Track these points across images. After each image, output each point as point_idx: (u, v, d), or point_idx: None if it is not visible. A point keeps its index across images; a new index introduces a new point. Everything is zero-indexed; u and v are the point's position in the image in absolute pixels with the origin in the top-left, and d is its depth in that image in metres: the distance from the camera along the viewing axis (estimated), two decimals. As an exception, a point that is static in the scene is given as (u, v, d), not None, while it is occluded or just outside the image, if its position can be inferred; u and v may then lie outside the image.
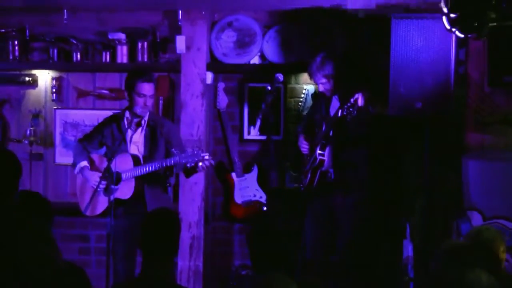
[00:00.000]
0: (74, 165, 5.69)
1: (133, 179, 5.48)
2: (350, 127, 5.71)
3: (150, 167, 5.43)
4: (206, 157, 5.34)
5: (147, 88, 5.53)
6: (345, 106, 5.56)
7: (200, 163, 5.34)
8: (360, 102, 5.52)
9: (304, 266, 5.94)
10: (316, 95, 6.19)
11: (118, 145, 5.47)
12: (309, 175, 5.90)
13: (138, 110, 5.52)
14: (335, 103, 5.88)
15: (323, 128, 5.86)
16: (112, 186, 5.29)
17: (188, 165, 5.34)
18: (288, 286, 3.21)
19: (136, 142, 5.62)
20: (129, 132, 5.61)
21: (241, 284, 6.47)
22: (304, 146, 5.99)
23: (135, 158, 5.54)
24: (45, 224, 3.52)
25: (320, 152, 5.81)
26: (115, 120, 5.67)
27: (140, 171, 5.45)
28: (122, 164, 5.46)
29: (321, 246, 5.96)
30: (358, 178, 5.84)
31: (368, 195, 5.86)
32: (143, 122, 5.62)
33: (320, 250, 5.95)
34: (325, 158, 5.82)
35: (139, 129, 5.62)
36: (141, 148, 5.61)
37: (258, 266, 3.67)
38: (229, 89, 6.68)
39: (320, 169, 5.84)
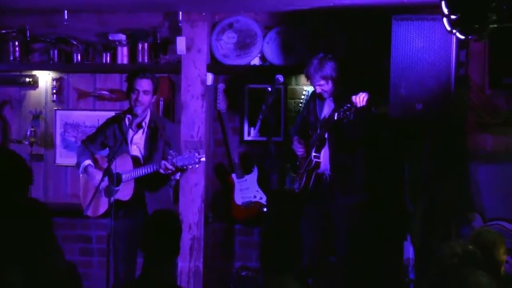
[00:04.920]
0: (78, 165, 5.69)
1: (132, 180, 5.49)
2: (347, 130, 5.67)
3: (149, 169, 5.44)
4: (203, 159, 5.36)
5: (140, 83, 5.53)
6: (341, 110, 5.51)
7: (197, 165, 5.36)
8: (364, 101, 5.47)
9: (301, 269, 5.92)
10: (312, 95, 6.17)
11: (119, 145, 5.48)
12: (304, 177, 5.88)
13: (138, 111, 5.52)
14: (329, 103, 5.84)
15: (318, 130, 5.84)
16: (113, 187, 5.29)
17: (184, 167, 5.35)
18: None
19: (137, 142, 5.62)
20: (130, 132, 5.62)
21: (241, 285, 6.46)
22: (299, 149, 5.96)
23: (135, 159, 5.54)
24: (46, 228, 3.52)
25: (315, 154, 5.78)
26: (117, 121, 5.68)
27: (139, 172, 5.46)
28: (122, 165, 5.46)
29: (318, 249, 5.92)
30: (355, 180, 5.80)
31: (366, 197, 5.83)
32: (144, 123, 5.62)
33: (317, 254, 5.92)
34: (321, 160, 5.80)
35: (140, 130, 5.63)
36: (142, 149, 5.61)
37: (268, 267, 3.72)
38: (230, 90, 6.68)
39: (315, 171, 5.82)
